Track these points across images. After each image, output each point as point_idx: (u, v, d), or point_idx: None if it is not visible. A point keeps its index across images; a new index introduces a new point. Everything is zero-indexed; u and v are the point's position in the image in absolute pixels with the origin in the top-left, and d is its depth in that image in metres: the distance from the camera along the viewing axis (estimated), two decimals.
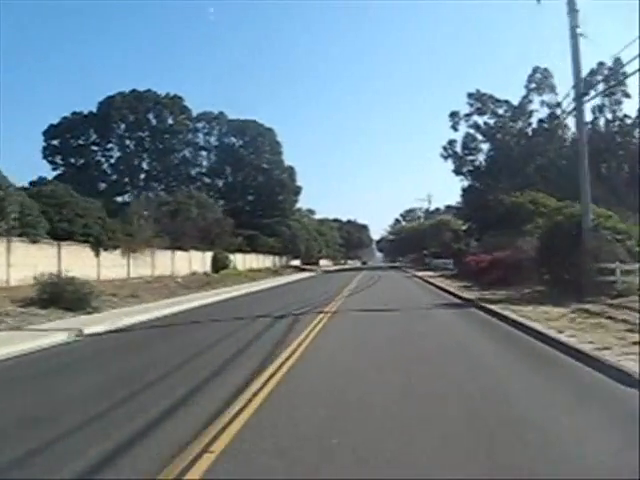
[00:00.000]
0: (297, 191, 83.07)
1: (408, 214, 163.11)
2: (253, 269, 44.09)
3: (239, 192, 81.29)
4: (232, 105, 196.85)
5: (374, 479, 4.27)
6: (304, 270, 58.27)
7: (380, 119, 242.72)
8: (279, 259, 60.45)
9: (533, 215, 35.49)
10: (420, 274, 41.32)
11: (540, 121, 66.45)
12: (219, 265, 37.67)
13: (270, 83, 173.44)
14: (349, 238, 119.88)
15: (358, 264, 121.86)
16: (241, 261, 44.94)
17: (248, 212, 79.14)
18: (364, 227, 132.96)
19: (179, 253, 35.80)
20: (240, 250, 45.93)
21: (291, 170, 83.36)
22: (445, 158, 71.06)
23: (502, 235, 37.26)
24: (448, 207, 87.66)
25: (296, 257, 68.95)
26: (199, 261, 38.08)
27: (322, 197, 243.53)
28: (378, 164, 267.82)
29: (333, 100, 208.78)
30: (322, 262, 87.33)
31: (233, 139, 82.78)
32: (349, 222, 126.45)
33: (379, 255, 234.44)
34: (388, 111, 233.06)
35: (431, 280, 32.90)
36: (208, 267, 38.35)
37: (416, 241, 79.54)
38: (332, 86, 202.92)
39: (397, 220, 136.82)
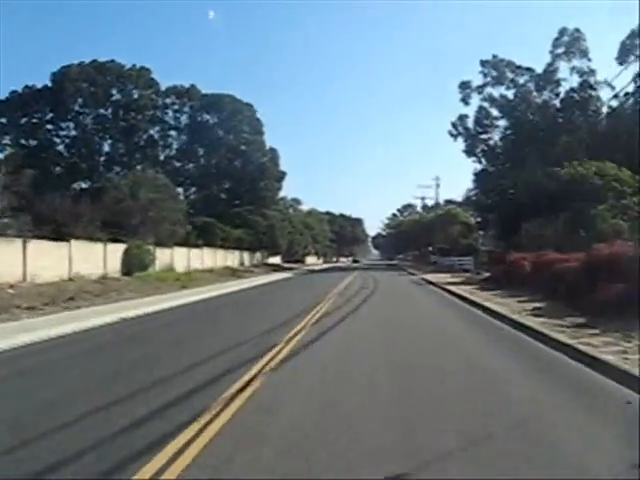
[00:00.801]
0: (280, 177, 71.75)
1: (406, 209, 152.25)
2: (203, 269, 32.18)
3: (213, 178, 69.96)
4: (206, 82, 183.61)
5: None
6: (282, 270, 47.00)
7: (378, 99, 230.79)
8: (251, 256, 49.01)
9: (599, 193, 24.42)
10: (431, 278, 29.89)
11: (570, 91, 55.28)
12: (134, 264, 25.89)
13: (251, 58, 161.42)
14: (342, 233, 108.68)
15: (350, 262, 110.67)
16: (184, 258, 33.01)
17: (224, 201, 67.88)
18: (358, 221, 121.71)
19: (39, 245, 21.08)
20: (188, 244, 34.31)
21: (273, 153, 72.04)
22: (454, 137, 60.03)
23: (548, 224, 26.13)
24: (448, 202, 76.52)
25: (276, 253, 57.62)
26: (92, 257, 25.18)
27: (312, 189, 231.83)
28: (374, 153, 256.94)
29: (323, 77, 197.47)
30: (309, 260, 76.17)
31: (206, 116, 71.27)
32: (342, 216, 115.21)
33: (375, 252, 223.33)
34: (387, 89, 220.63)
35: (461, 293, 19.78)
36: (117, 267, 25.91)
37: (417, 236, 68.47)
38: (322, 59, 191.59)
39: (394, 215, 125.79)
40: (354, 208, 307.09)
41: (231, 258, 41.23)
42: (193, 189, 72.08)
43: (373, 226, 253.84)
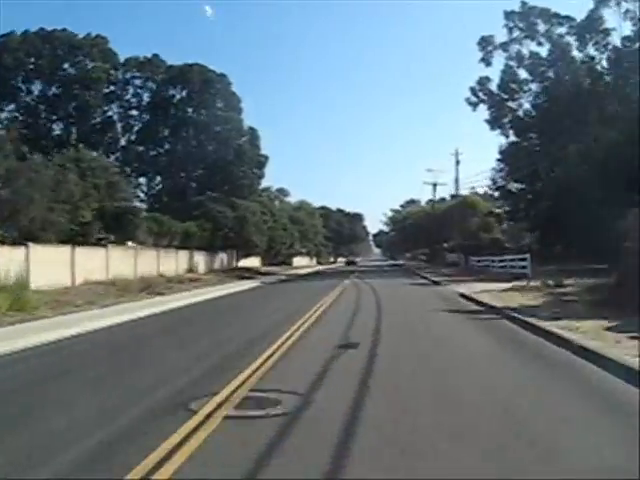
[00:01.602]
0: (262, 162, 59.90)
1: (409, 205, 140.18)
2: (98, 281, 19.67)
3: (181, 164, 58.09)
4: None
5: None
6: (253, 277, 34.81)
7: (377, 73, 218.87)
8: (209, 258, 36.59)
9: None
10: (474, 290, 18.43)
11: (623, 44, 43.21)
12: None
13: (231, 31, 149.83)
14: (339, 230, 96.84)
15: (352, 261, 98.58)
16: (61, 265, 19.27)
17: (194, 191, 56.03)
18: (358, 217, 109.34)
19: None
20: (84, 242, 22.04)
21: (253, 133, 60.24)
22: (474, 105, 48.13)
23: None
24: (454, 197, 64.52)
25: (251, 254, 45.54)
26: None
27: (307, 183, 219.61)
28: (376, 144, 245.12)
29: (315, 52, 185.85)
30: (298, 261, 64.27)
31: (172, 91, 59.36)
32: (339, 211, 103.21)
33: (377, 251, 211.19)
34: (387, 59, 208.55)
35: None
36: None
37: (428, 231, 56.37)
38: (313, 31, 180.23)
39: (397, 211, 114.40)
40: (353, 204, 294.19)
41: (170, 261, 28.91)
42: (158, 179, 60.25)
43: (375, 224, 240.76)
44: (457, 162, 46.49)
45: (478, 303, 15.29)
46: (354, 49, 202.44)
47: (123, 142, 61.30)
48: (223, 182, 55.85)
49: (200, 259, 34.59)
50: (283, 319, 12.68)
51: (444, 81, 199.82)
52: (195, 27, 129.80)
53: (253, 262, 49.08)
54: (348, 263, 75.51)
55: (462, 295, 18.49)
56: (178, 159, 57.88)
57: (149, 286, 19.68)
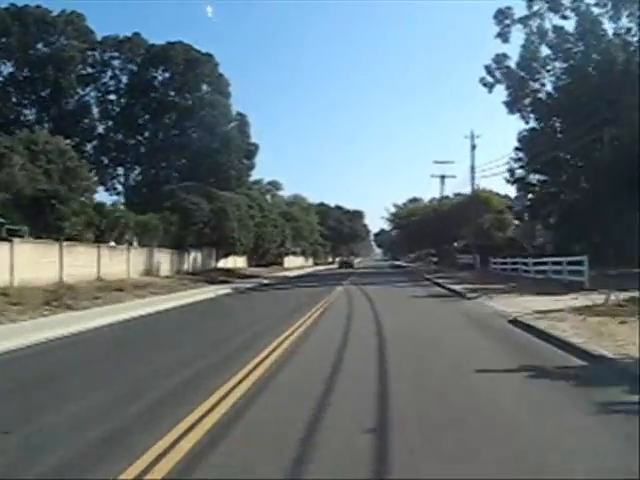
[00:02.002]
0: (251, 151, 54.32)
1: (412, 203, 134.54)
2: None
3: (162, 152, 52.47)
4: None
5: None
6: (228, 280, 28.70)
7: (380, 66, 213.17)
8: (177, 257, 30.51)
9: None
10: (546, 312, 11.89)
11: None
12: None
13: (231, 28, 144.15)
14: (338, 228, 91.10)
15: (347, 262, 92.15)
16: None
17: (177, 181, 50.35)
18: (358, 214, 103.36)
19: None
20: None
21: (242, 119, 54.65)
22: (490, 86, 42.35)
23: None
24: (457, 195, 58.84)
25: (229, 254, 39.41)
26: None
27: (305, 179, 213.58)
28: (377, 139, 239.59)
29: (314, 46, 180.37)
30: (291, 261, 58.31)
31: (154, 72, 53.70)
32: (338, 208, 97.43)
33: (378, 251, 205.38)
34: (388, 53, 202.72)
35: None
36: None
37: (434, 230, 50.60)
38: (311, 22, 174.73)
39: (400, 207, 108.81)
40: (354, 201, 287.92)
41: (119, 262, 23.01)
42: (137, 169, 54.63)
43: (376, 222, 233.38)
44: (473, 147, 40.31)
45: (569, 347, 8.28)
46: (353, 43, 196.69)
47: (100, 129, 55.71)
48: (208, 173, 50.28)
49: (164, 259, 28.71)
50: (206, 368, 7.10)
51: (450, 73, 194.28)
52: (195, 23, 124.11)
53: (238, 262, 43.30)
54: (343, 265, 55.58)
55: (517, 323, 11.53)
56: (159, 147, 52.30)
57: (60, 296, 14.05)
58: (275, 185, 64.43)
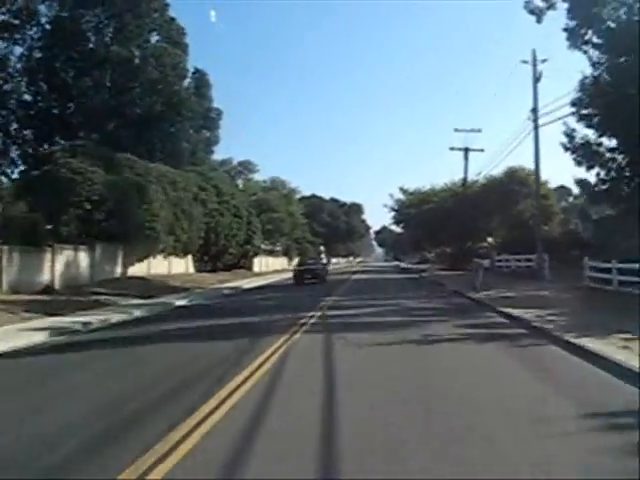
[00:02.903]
0: (212, 120, 41.40)
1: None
2: None
3: (91, 117, 39.42)
4: None
5: None
6: (102, 304, 15.66)
7: (382, 47, 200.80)
8: (26, 261, 16.93)
9: None
10: None
11: None
12: None
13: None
14: (333, 224, 78.09)
15: (341, 263, 76.82)
16: None
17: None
18: (356, 207, 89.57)
19: None
20: None
21: (200, 78, 41.76)
22: (538, 14, 29.23)
23: None
24: (464, 184, 45.65)
25: (146, 256, 25.83)
26: None
27: (301, 171, 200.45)
28: (379, 126, 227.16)
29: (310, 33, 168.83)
30: (268, 263, 44.83)
31: (80, 11, 40.60)
32: (334, 201, 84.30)
33: (379, 251, 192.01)
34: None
35: None
36: None
37: (456, 222, 37.26)
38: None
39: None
40: (351, 196, 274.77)
41: None
42: (61, 141, 41.45)
43: (376, 220, 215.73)
44: (536, 79, 26.02)
45: None
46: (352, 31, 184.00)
47: (8, 87, 42.52)
48: (150, 143, 37.48)
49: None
50: None
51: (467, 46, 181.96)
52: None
53: (176, 266, 29.94)
54: (301, 275, 28.40)
55: None
56: (87, 111, 39.23)
57: None
58: (247, 167, 50.88)
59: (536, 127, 22.09)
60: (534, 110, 22.37)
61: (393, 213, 44.35)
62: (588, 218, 31.71)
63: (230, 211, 34.11)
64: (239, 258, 35.27)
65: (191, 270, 31.83)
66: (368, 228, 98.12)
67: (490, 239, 37.89)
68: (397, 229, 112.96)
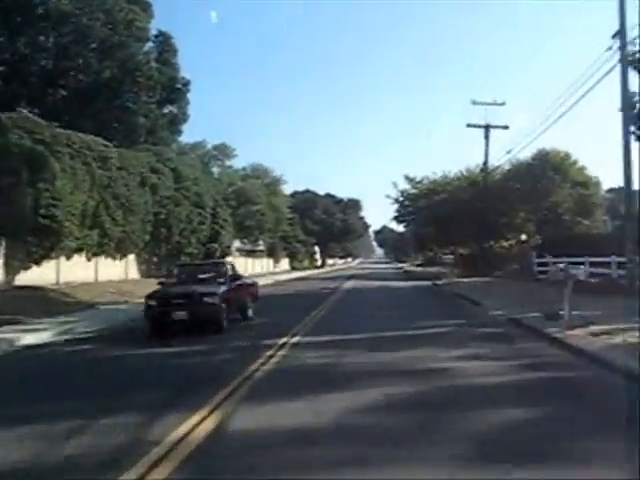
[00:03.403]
0: (177, 92, 34.40)
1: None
2: None
3: (30, 84, 32.34)
4: None
5: None
6: None
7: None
8: None
9: None
10: None
11: None
12: None
13: None
14: (328, 222, 70.94)
15: (337, 265, 68.09)
16: None
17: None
18: (353, 203, 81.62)
19: None
20: None
21: (164, 41, 34.88)
22: None
23: None
24: (482, 173, 38.01)
25: (50, 250, 18.60)
26: None
27: (298, 166, 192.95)
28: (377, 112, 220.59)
29: None
30: (246, 265, 37.26)
31: None
32: (329, 197, 77.06)
33: (380, 252, 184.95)
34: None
35: None
36: None
37: (475, 216, 29.69)
38: None
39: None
40: (350, 193, 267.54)
41: None
42: None
43: (377, 220, 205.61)
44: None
45: None
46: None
47: None
48: (98, 117, 30.52)
49: None
50: None
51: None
52: None
53: (112, 270, 22.25)
54: (158, 315, 11.00)
55: None
56: (24, 77, 32.22)
57: None
58: (224, 151, 43.26)
59: (622, 61, 14.79)
60: (620, 34, 15.12)
61: (396, 206, 37.02)
62: None
63: (190, 200, 26.99)
64: (203, 259, 28.05)
65: (134, 275, 24.53)
66: (367, 227, 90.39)
67: (524, 236, 30.64)
68: (399, 228, 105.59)
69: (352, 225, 75.43)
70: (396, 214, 37.47)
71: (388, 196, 36.70)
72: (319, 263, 77.39)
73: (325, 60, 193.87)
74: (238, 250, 37.70)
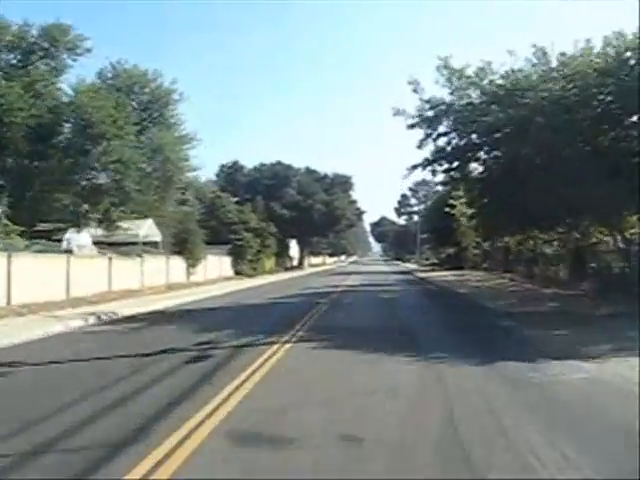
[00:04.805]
0: None
1: (419, 187, 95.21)
2: None
3: None
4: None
5: None
6: None
7: None
8: None
9: None
10: None
11: None
12: None
13: None
14: (305, 205, 50.35)
15: (327, 265, 50.26)
16: None
17: None
18: (341, 180, 59.28)
19: None
20: None
21: None
22: None
23: None
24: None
25: None
26: None
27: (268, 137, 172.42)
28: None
29: None
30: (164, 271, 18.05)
31: None
32: (310, 172, 55.90)
33: (377, 248, 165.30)
34: None
35: None
36: None
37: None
38: None
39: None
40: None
41: None
42: None
43: (375, 210, 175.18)
44: None
45: None
46: None
47: None
48: None
49: None
50: None
51: None
52: None
53: None
54: None
55: None
56: None
57: None
58: (57, 38, 21.72)
59: None
60: None
61: (422, 134, 15.37)
62: None
63: None
64: None
65: None
66: (361, 213, 68.18)
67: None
68: (399, 220, 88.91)
69: (339, 210, 54.14)
70: (426, 161, 15.94)
71: (399, 112, 15.50)
72: (295, 263, 57.00)
73: None
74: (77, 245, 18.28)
